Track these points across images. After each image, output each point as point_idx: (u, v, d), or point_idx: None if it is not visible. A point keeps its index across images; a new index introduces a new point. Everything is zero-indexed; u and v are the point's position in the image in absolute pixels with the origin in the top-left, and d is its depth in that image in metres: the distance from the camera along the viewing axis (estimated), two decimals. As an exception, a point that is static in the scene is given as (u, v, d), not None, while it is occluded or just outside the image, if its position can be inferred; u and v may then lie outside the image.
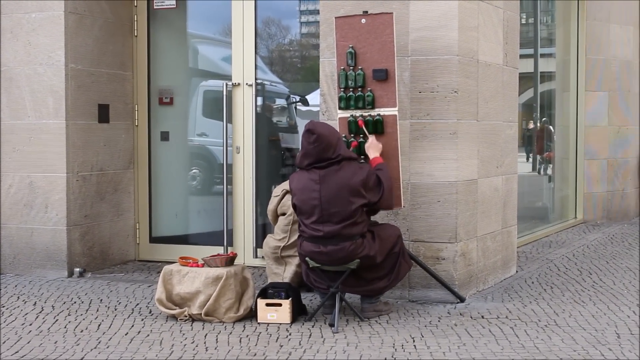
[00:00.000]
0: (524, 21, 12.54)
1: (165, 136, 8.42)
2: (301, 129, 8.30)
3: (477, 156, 6.77)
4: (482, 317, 5.99)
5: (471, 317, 5.98)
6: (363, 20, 6.19)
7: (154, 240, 8.40)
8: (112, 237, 8.03)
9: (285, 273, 6.76)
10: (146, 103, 8.29)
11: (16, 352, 5.22)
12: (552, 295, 6.71)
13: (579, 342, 5.34)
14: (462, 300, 6.42)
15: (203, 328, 5.76)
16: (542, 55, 11.90)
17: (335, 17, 6.30)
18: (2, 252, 7.69)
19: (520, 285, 7.10)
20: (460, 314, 6.08)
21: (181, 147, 8.49)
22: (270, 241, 6.83)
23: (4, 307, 6.45)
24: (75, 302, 6.57)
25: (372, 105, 6.19)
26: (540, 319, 5.92)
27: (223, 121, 7.89)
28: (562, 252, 8.81)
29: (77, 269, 7.53)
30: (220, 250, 7.95)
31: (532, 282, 7.21)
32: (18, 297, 6.77)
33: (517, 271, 7.69)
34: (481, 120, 6.83)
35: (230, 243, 8.00)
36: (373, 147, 6.09)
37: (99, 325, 5.86)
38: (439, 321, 5.89)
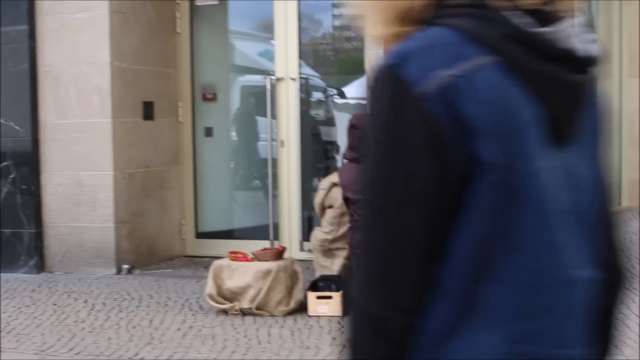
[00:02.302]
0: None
1: (209, 132, 8.35)
2: (338, 121, 8.23)
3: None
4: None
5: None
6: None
7: (199, 235, 8.34)
8: (158, 233, 7.99)
9: (334, 265, 6.64)
10: (190, 100, 8.24)
11: (71, 350, 5.19)
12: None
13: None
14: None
15: (254, 322, 5.69)
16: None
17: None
18: (51, 250, 7.68)
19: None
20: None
21: (225, 142, 8.42)
22: (318, 234, 6.73)
23: (55, 305, 6.42)
24: (125, 299, 6.52)
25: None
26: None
27: (267, 116, 7.82)
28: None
29: (126, 266, 7.49)
30: (266, 244, 7.86)
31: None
32: (69, 295, 6.74)
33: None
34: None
35: (276, 237, 7.92)
36: None
37: (151, 321, 5.81)
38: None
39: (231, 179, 8.50)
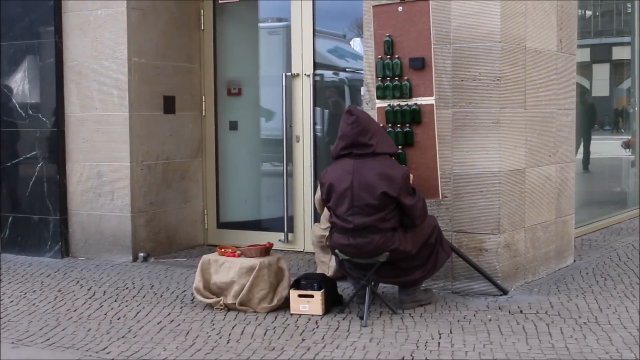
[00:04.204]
0: (620, 8, 11.57)
1: (233, 125, 8.02)
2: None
3: (524, 145, 6.08)
4: (521, 311, 5.34)
5: (509, 312, 5.34)
6: (400, 8, 5.60)
7: (221, 225, 8.03)
8: (179, 223, 7.71)
9: (332, 262, 6.25)
10: (213, 94, 7.92)
11: (47, 340, 4.94)
12: (602, 288, 5.97)
13: (615, 342, 4.65)
14: (504, 292, 5.77)
15: (235, 318, 5.34)
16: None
17: (373, 6, 5.73)
18: (75, 237, 7.49)
19: (574, 276, 6.37)
20: (499, 308, 5.44)
21: (249, 136, 8.08)
22: (317, 230, 6.35)
23: (59, 292, 6.20)
24: (127, 288, 6.26)
25: (409, 94, 5.60)
26: (581, 315, 5.23)
27: (283, 111, 7.46)
28: (629, 240, 7.96)
29: (141, 254, 7.24)
30: (281, 236, 7.53)
31: (587, 273, 6.47)
32: (77, 282, 6.52)
33: (574, 261, 6.94)
34: (530, 109, 6.13)
35: (291, 229, 7.57)
36: None
37: (138, 312, 5.53)
38: (474, 316, 5.28)
39: (253, 172, 8.16)
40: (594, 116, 10.60)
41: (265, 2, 7.92)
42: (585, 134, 9.84)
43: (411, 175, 5.35)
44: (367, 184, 5.14)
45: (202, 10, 7.83)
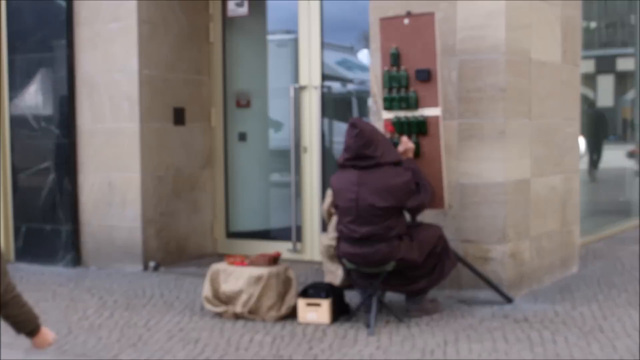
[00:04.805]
0: (624, 20, 11.62)
1: (242, 137, 8.08)
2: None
3: (529, 156, 6.11)
4: (526, 320, 5.36)
5: (514, 320, 5.36)
6: (406, 21, 5.65)
7: (230, 235, 8.08)
8: (188, 233, 7.76)
9: (339, 271, 6.27)
10: (222, 106, 7.98)
11: (59, 348, 4.97)
12: (607, 296, 5.99)
13: (619, 350, 4.67)
14: (510, 301, 5.80)
15: (243, 327, 5.38)
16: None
17: (380, 19, 5.78)
18: (87, 247, 7.55)
19: (578, 285, 6.39)
20: (504, 316, 5.47)
21: (257, 147, 8.14)
22: (324, 239, 6.38)
23: (72, 301, 6.25)
24: (137, 297, 6.31)
25: (416, 105, 5.65)
26: (586, 323, 5.25)
27: (291, 122, 7.50)
28: (633, 249, 7.96)
29: (152, 263, 7.29)
30: (289, 245, 7.57)
31: (591, 282, 6.48)
32: (89, 290, 6.58)
33: (579, 269, 6.96)
34: (535, 120, 6.16)
35: (299, 239, 7.61)
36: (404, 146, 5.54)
37: (148, 321, 5.57)
38: (480, 324, 5.30)
39: (262, 182, 8.21)
40: (605, 127, 10.63)
41: (273, 15, 7.99)
42: (595, 144, 9.88)
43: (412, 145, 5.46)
44: (371, 195, 5.19)
45: (211, 24, 7.90)
